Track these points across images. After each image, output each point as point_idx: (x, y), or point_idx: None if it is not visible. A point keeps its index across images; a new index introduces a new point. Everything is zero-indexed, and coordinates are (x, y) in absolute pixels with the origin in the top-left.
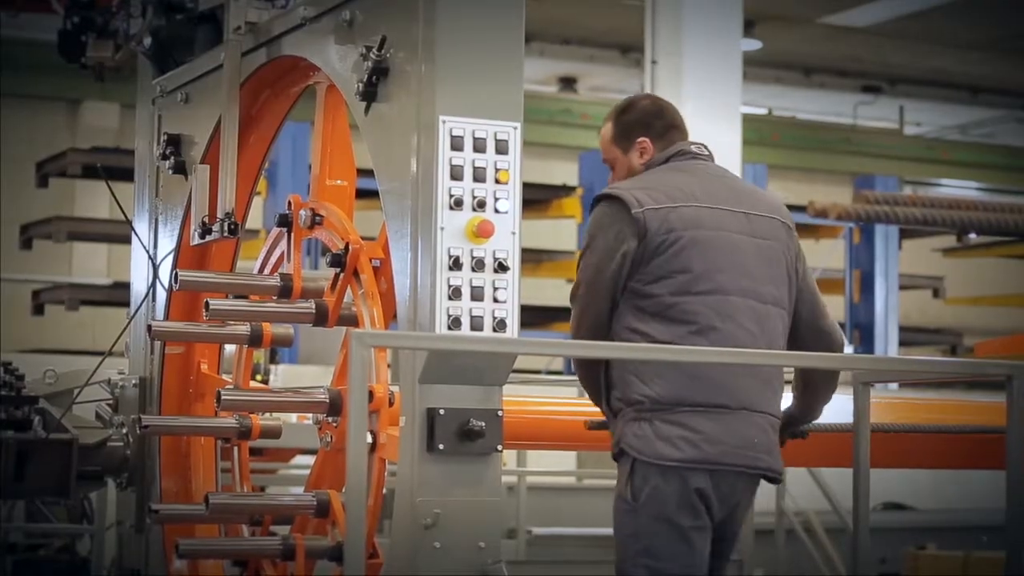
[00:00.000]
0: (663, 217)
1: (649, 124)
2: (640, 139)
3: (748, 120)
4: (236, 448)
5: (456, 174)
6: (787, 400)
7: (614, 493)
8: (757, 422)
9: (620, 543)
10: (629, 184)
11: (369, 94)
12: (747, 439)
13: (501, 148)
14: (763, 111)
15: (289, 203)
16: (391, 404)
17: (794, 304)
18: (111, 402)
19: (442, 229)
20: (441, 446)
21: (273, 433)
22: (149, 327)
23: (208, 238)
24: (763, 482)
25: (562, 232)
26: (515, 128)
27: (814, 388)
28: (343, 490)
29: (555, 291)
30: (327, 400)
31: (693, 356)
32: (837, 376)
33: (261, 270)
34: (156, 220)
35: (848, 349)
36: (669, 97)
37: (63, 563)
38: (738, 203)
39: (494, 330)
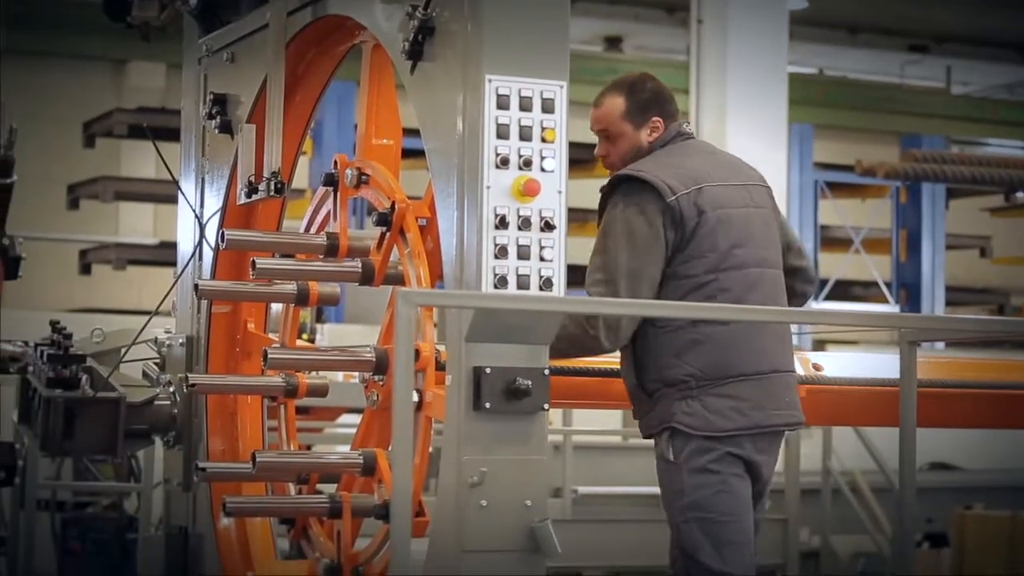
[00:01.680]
0: (692, 200)
1: (663, 105)
2: (655, 119)
3: (794, 79)
4: (283, 407)
5: (502, 133)
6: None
7: (656, 454)
8: (786, 381)
9: (667, 502)
10: (651, 168)
11: (415, 53)
12: (781, 399)
13: (547, 107)
14: (809, 70)
15: (335, 162)
16: (437, 363)
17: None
18: (158, 361)
19: (488, 188)
20: (487, 404)
21: (320, 392)
22: (196, 286)
23: (254, 197)
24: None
25: None
26: (561, 87)
27: None
28: (389, 448)
29: None
30: (373, 359)
31: (755, 316)
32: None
33: (307, 229)
34: (202, 180)
35: (894, 309)
36: (715, 57)
37: (111, 520)
38: (736, 177)
39: (540, 289)
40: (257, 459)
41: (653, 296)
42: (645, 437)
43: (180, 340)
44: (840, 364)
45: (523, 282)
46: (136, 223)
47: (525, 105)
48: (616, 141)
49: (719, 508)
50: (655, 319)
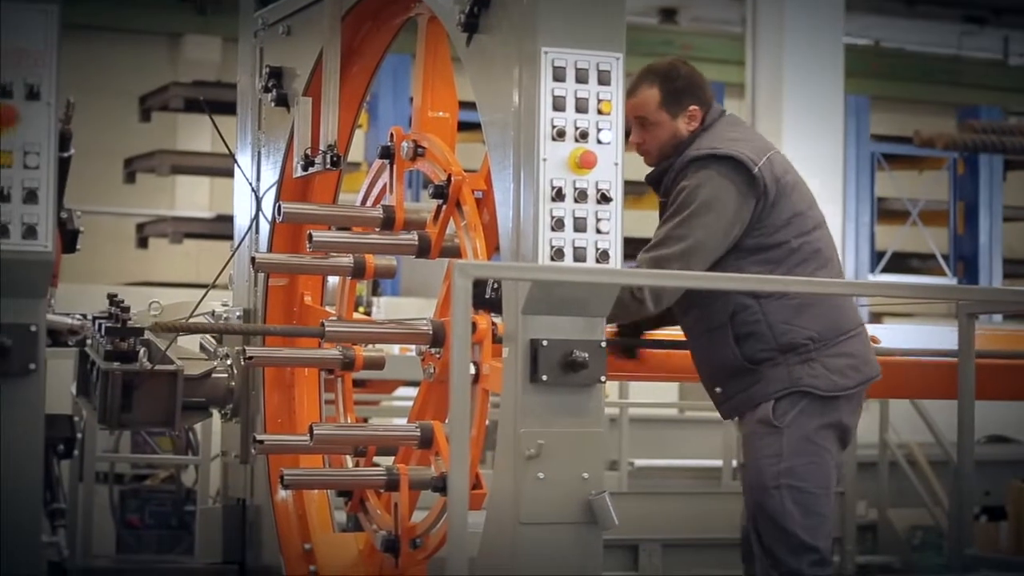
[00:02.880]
0: (769, 170)
1: (698, 94)
2: (692, 107)
3: (850, 51)
4: (340, 379)
5: (558, 105)
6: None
7: (749, 420)
8: (867, 333)
9: (760, 465)
10: (725, 144)
11: (471, 25)
12: (871, 349)
13: (603, 79)
14: (865, 42)
15: (391, 135)
16: (494, 336)
17: None
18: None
19: (544, 160)
20: (544, 377)
21: (376, 364)
22: (253, 259)
23: (310, 170)
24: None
25: None
26: (617, 59)
27: None
28: (446, 421)
29: (658, 222)
30: (430, 332)
31: (817, 288)
32: None
33: (363, 202)
34: (259, 153)
35: (951, 281)
36: (770, 28)
37: (169, 493)
38: (771, 143)
39: (597, 261)
40: (315, 431)
41: (705, 269)
42: (734, 416)
43: (237, 313)
44: (897, 336)
45: (579, 254)
46: (193, 196)
47: (581, 77)
48: (653, 130)
49: (812, 479)
50: (757, 291)
